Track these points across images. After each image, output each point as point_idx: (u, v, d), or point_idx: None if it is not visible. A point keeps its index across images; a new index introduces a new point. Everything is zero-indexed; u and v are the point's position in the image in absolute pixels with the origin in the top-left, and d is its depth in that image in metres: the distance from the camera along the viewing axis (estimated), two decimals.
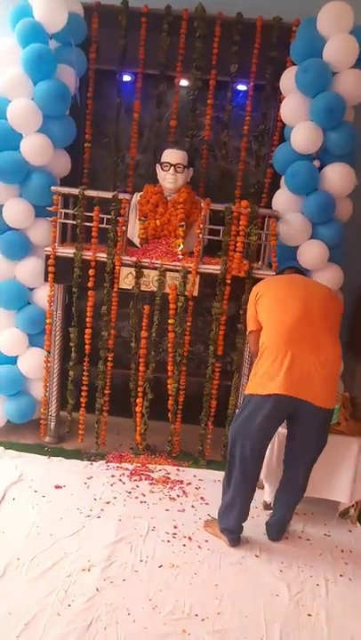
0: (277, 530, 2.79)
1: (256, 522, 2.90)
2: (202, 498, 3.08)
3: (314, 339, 2.51)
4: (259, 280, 3.19)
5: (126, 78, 3.59)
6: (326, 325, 2.56)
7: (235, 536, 2.70)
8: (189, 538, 2.73)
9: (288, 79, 3.25)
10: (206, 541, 2.72)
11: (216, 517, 2.79)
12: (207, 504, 3.02)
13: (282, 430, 2.87)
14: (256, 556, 2.67)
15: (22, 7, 3.15)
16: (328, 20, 3.11)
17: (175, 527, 2.80)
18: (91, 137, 3.61)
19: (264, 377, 2.51)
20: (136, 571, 2.47)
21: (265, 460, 2.94)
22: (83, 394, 3.44)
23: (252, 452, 2.58)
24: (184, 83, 3.56)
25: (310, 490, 2.95)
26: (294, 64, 3.25)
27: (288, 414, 2.57)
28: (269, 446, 2.90)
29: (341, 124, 3.17)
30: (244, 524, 2.72)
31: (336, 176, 3.23)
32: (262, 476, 2.98)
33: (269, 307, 2.62)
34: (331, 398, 2.55)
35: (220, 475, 3.27)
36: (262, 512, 3.00)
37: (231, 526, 2.69)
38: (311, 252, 3.30)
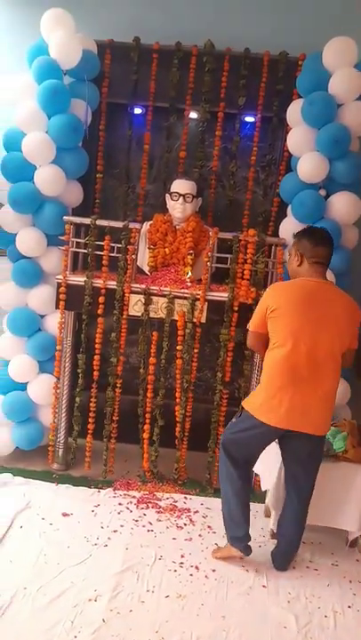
0: (283, 559, 2.79)
1: (263, 550, 2.88)
2: (209, 526, 3.06)
3: (318, 373, 2.51)
4: None
5: (137, 111, 3.69)
6: (332, 357, 2.53)
7: (244, 544, 2.70)
8: (196, 567, 2.71)
9: (294, 111, 3.33)
10: (213, 571, 2.70)
11: (221, 546, 2.80)
12: (215, 532, 3.00)
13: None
14: (263, 586, 2.64)
15: (39, 46, 3.27)
16: (333, 55, 3.20)
17: (182, 556, 2.79)
18: (102, 168, 3.71)
19: (264, 406, 2.55)
20: (143, 601, 2.45)
21: (272, 489, 2.93)
22: (90, 420, 3.46)
23: (243, 457, 2.69)
24: (193, 115, 3.65)
25: (318, 518, 2.94)
26: (300, 97, 3.33)
27: (283, 435, 2.62)
28: (276, 474, 2.90)
29: (347, 155, 3.23)
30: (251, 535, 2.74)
31: (342, 204, 3.27)
32: (269, 503, 2.97)
33: (281, 332, 2.52)
34: (327, 425, 2.64)
35: None
36: (269, 541, 2.97)
37: (238, 533, 2.71)
38: None
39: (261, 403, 2.57)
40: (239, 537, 2.71)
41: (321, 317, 2.50)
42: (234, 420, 2.73)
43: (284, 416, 2.52)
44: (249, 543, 2.72)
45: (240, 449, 2.69)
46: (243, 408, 2.66)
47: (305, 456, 2.64)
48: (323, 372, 2.52)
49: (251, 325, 2.71)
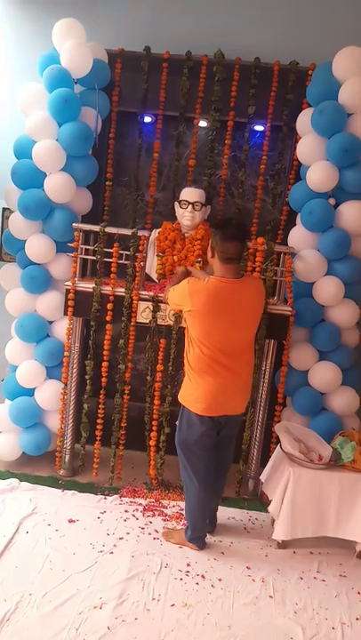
0: (214, 525, 3.05)
1: (269, 560, 2.86)
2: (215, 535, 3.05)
3: (238, 365, 2.71)
4: (275, 315, 3.23)
5: (147, 119, 3.72)
6: (248, 347, 2.76)
7: (202, 541, 2.91)
8: (202, 576, 2.70)
9: (304, 120, 3.34)
10: (220, 580, 2.68)
11: (172, 529, 3.03)
12: (220, 541, 2.99)
13: (293, 470, 2.86)
14: (270, 596, 2.62)
15: (50, 55, 3.31)
16: (343, 65, 3.21)
17: (188, 565, 2.77)
18: (112, 175, 3.73)
19: (198, 399, 2.71)
20: (148, 609, 2.44)
21: (277, 498, 2.92)
22: (98, 427, 3.46)
23: (200, 455, 2.79)
24: (203, 124, 3.67)
25: (326, 529, 2.92)
26: (310, 106, 3.35)
27: (219, 425, 2.78)
28: (282, 485, 2.90)
29: (356, 164, 3.23)
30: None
31: (351, 214, 3.27)
32: (273, 513, 2.96)
33: (198, 332, 2.67)
34: (245, 404, 2.87)
35: (236, 511, 3.27)
36: (275, 551, 2.96)
37: (200, 533, 2.91)
38: (327, 289, 3.33)
39: (196, 397, 2.71)
40: (199, 537, 2.90)
41: (234, 319, 2.64)
42: (178, 422, 2.86)
43: (216, 405, 2.71)
44: (206, 538, 2.94)
45: (194, 446, 2.79)
46: (182, 410, 2.81)
47: (234, 431, 2.91)
48: (240, 363, 2.72)
49: (171, 305, 2.92)
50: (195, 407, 2.72)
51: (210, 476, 2.84)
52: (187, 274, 3.06)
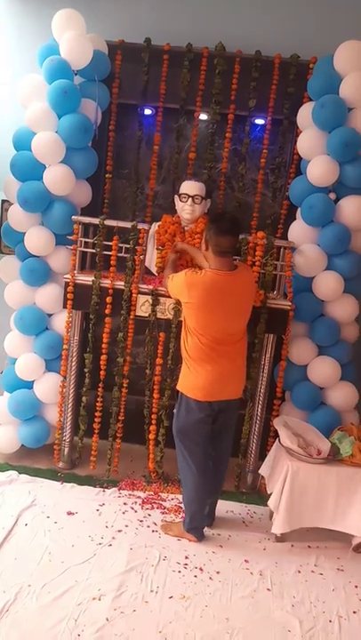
0: (212, 515, 3.06)
1: (267, 554, 2.88)
2: (213, 528, 3.06)
3: (233, 352, 2.78)
4: (274, 310, 3.23)
5: (147, 112, 3.70)
6: (242, 335, 2.82)
7: (200, 532, 2.93)
8: (200, 569, 2.71)
9: (305, 114, 3.33)
10: (218, 573, 2.69)
11: (170, 522, 3.03)
12: (219, 535, 3.00)
13: (292, 464, 2.87)
14: (268, 589, 2.63)
15: (50, 46, 3.29)
16: (345, 58, 3.20)
17: (186, 557, 2.78)
18: (112, 168, 3.72)
19: (197, 386, 2.77)
20: (146, 601, 2.45)
21: (276, 492, 2.93)
22: (96, 420, 3.46)
23: (198, 441, 2.82)
24: (203, 117, 3.66)
25: (323, 521, 2.94)
26: (311, 100, 3.33)
27: (217, 411, 2.82)
28: (281, 479, 2.91)
29: (357, 158, 3.22)
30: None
31: (352, 208, 3.27)
32: (273, 507, 2.97)
33: (195, 322, 2.72)
34: (242, 388, 2.91)
35: (234, 505, 3.29)
36: (273, 544, 2.97)
37: (198, 523, 2.93)
38: (327, 283, 3.33)
39: (194, 384, 2.76)
40: (198, 527, 2.91)
41: (230, 309, 2.71)
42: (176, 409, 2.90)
43: (213, 390, 2.76)
44: (204, 530, 2.96)
45: (192, 432, 2.82)
46: (180, 396, 2.84)
47: (231, 420, 2.94)
48: (235, 350, 2.79)
49: (170, 292, 2.92)
50: (193, 393, 2.77)
51: (207, 462, 2.88)
52: (178, 258, 3.20)
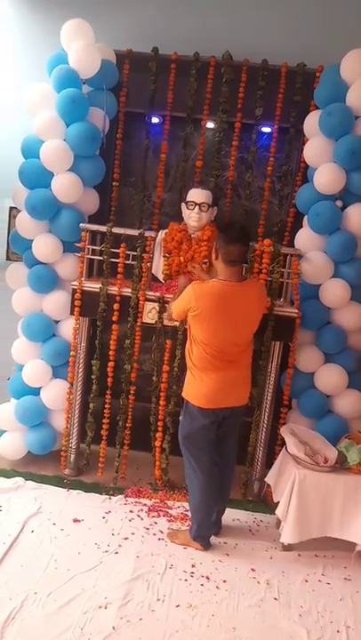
0: (218, 523, 3.06)
1: (274, 562, 2.86)
2: (220, 536, 3.04)
3: (238, 360, 2.79)
4: (281, 317, 3.23)
5: (155, 120, 3.72)
6: (247, 345, 2.82)
7: (207, 541, 2.92)
8: (207, 577, 2.70)
9: (312, 122, 3.33)
10: (224, 581, 2.68)
11: (177, 530, 3.03)
12: (225, 543, 2.99)
13: (299, 472, 2.86)
14: (275, 598, 2.61)
15: (58, 55, 3.32)
16: (351, 67, 3.20)
17: (193, 566, 2.77)
18: (119, 176, 3.74)
19: (201, 394, 2.77)
20: (153, 610, 2.44)
21: (283, 501, 2.92)
22: (104, 426, 3.46)
23: (203, 447, 2.84)
24: (210, 125, 3.67)
25: (329, 529, 2.92)
26: (318, 108, 3.34)
27: (222, 418, 2.83)
28: (289, 487, 2.90)
29: None
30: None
31: (358, 216, 3.26)
32: (281, 516, 2.95)
33: (201, 332, 2.72)
34: (247, 395, 2.91)
35: (241, 513, 3.27)
36: (280, 553, 2.95)
37: (205, 532, 2.91)
38: (333, 291, 3.33)
39: (199, 391, 2.77)
40: (204, 535, 2.91)
41: (236, 321, 2.71)
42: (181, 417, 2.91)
43: (219, 398, 2.77)
44: (211, 539, 2.95)
45: (198, 440, 2.84)
46: (186, 404, 2.85)
47: (235, 426, 2.94)
48: (241, 360, 2.80)
49: (175, 315, 2.91)
50: (197, 401, 2.78)
51: (213, 467, 2.87)
52: (188, 281, 3.12)
